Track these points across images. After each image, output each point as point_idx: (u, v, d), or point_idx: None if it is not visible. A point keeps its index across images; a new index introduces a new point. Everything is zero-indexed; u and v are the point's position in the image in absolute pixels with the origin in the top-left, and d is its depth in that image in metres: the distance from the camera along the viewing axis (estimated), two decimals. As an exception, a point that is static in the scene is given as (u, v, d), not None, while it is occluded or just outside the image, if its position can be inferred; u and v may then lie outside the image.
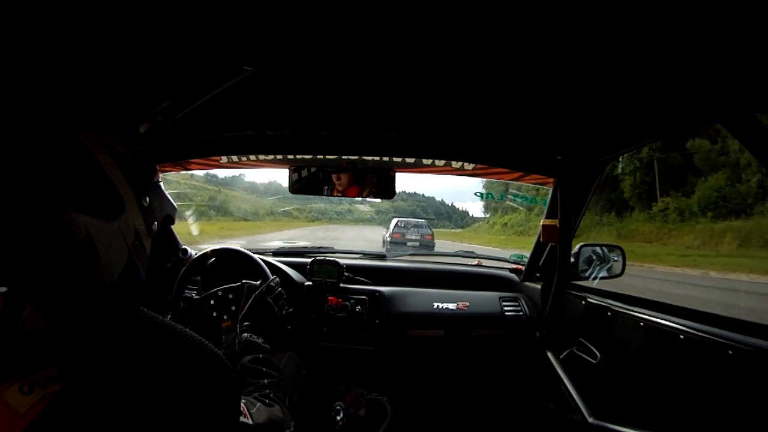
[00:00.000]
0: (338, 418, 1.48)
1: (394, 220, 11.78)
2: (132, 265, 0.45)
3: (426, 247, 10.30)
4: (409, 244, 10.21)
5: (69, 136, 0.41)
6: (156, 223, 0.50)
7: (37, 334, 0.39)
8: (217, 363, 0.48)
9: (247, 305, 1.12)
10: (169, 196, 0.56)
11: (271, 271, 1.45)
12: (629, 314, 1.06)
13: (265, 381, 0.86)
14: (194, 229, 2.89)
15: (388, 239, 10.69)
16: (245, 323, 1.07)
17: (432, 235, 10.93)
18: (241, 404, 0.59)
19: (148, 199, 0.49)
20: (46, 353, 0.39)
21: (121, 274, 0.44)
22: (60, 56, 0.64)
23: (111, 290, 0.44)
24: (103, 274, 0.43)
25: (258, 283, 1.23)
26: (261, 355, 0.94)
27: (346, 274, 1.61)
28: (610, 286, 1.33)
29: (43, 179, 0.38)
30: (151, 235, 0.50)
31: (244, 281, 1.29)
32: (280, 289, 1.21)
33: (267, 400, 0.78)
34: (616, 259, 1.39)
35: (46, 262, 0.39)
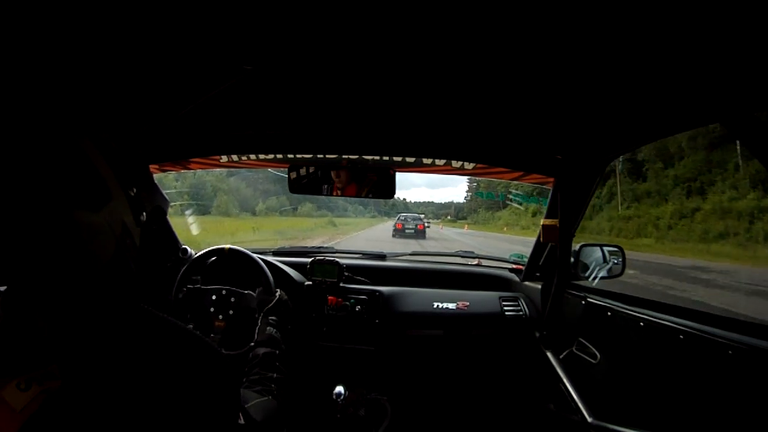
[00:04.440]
0: (338, 416, 1.48)
1: (398, 215, 17.89)
2: (120, 255, 0.45)
3: (418, 233, 15.36)
4: (407, 231, 15.47)
5: (57, 128, 0.40)
6: (144, 213, 0.50)
7: (36, 332, 0.39)
8: (216, 361, 0.49)
9: (272, 303, 1.21)
10: (161, 189, 0.56)
11: (271, 271, 1.45)
12: (629, 314, 1.06)
13: (274, 375, 0.88)
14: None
15: (392, 228, 16.27)
16: (271, 317, 1.14)
17: (423, 224, 15.95)
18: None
19: (135, 189, 0.48)
20: (44, 351, 0.39)
21: (109, 264, 0.44)
22: (60, 54, 0.64)
23: (110, 286, 0.44)
24: (89, 265, 0.43)
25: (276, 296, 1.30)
26: (278, 352, 0.98)
27: (345, 273, 1.61)
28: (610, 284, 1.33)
29: (30, 171, 0.38)
30: (140, 226, 0.49)
31: (258, 290, 1.37)
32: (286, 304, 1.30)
33: (270, 396, 0.80)
34: (616, 261, 1.38)
35: (40, 257, 0.39)
